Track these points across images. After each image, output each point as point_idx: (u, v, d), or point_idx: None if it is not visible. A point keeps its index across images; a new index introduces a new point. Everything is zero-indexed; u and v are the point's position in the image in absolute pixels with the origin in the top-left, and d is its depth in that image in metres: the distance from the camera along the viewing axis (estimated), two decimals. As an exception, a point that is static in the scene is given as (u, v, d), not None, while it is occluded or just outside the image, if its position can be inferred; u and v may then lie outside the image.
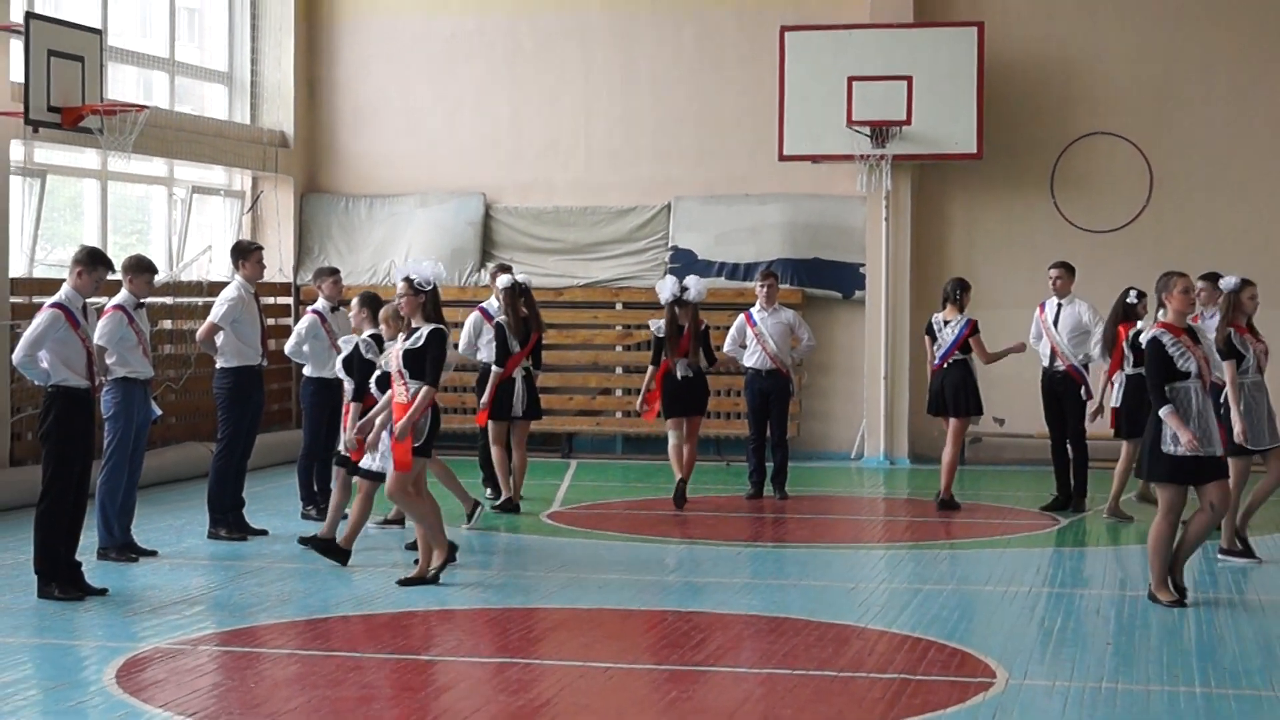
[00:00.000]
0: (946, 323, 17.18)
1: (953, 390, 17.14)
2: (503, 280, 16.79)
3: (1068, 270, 17.23)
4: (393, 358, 12.94)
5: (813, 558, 14.78)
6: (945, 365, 17.16)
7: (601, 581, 13.39)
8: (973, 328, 17.11)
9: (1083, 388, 16.97)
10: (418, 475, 12.99)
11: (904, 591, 13.02)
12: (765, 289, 18.03)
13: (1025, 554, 14.85)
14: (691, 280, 17.67)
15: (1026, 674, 10.07)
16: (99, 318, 13.47)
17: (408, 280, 12.82)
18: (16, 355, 12.56)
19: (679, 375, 17.47)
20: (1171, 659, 10.52)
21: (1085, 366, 17.00)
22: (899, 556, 15.06)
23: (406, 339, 12.84)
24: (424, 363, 12.70)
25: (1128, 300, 15.90)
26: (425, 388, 12.67)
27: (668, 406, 17.59)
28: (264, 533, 15.28)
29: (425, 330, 12.79)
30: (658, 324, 17.61)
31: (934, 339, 17.27)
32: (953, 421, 17.30)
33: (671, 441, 17.65)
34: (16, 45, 17.28)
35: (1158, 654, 10.67)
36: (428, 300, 12.86)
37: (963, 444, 17.94)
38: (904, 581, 13.61)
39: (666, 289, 17.58)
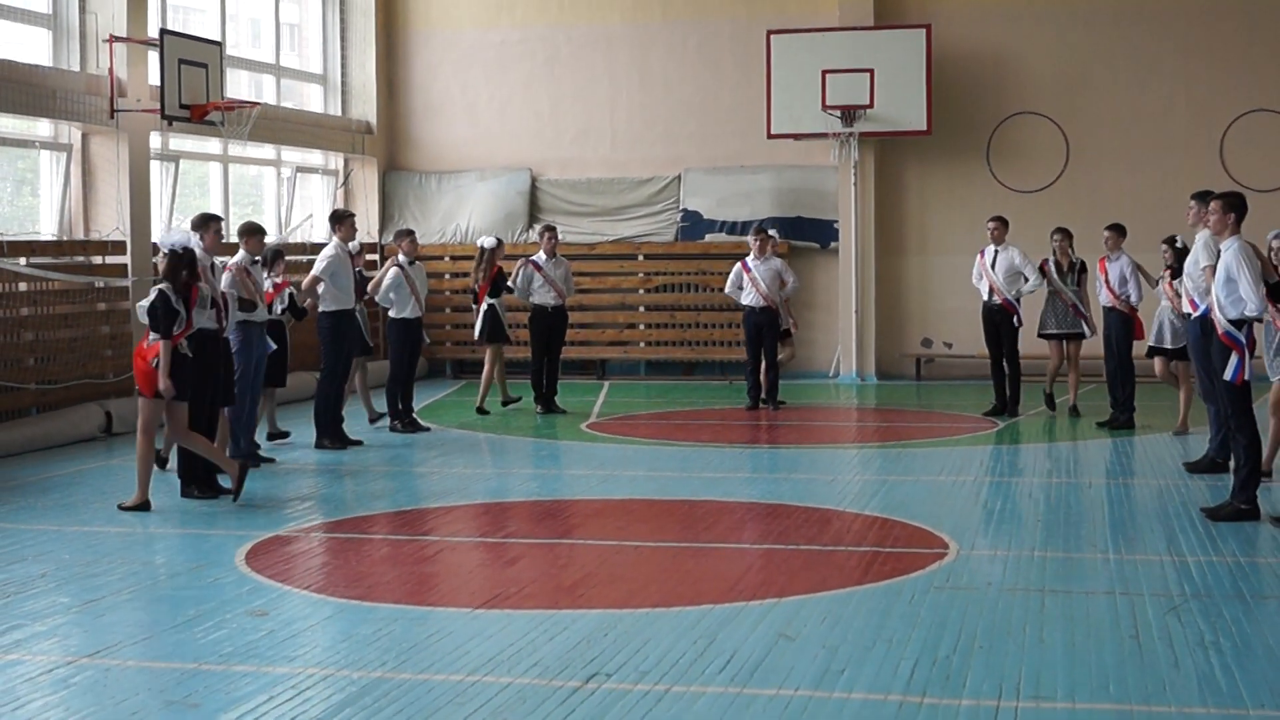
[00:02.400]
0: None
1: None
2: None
3: (1003, 222, 17.14)
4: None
5: (800, 456, 14.76)
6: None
7: (631, 477, 13.39)
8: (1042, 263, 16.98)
9: (1015, 317, 16.91)
10: (157, 413, 11.72)
11: (874, 482, 12.99)
12: (758, 242, 17.99)
13: (971, 450, 14.81)
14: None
15: (974, 545, 10.05)
16: (224, 272, 13.44)
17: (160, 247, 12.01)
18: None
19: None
20: (1089, 532, 10.50)
21: (1018, 299, 16.92)
22: (869, 454, 15.03)
23: None
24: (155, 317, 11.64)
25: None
26: (161, 340, 11.64)
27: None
28: (359, 443, 15.28)
29: (155, 289, 11.79)
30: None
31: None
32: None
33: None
34: (153, 56, 17.26)
35: (1078, 528, 10.64)
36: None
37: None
38: (873, 474, 13.57)
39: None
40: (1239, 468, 10.94)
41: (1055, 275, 16.82)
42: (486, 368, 17.84)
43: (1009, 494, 12.22)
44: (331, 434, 15.16)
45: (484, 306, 17.59)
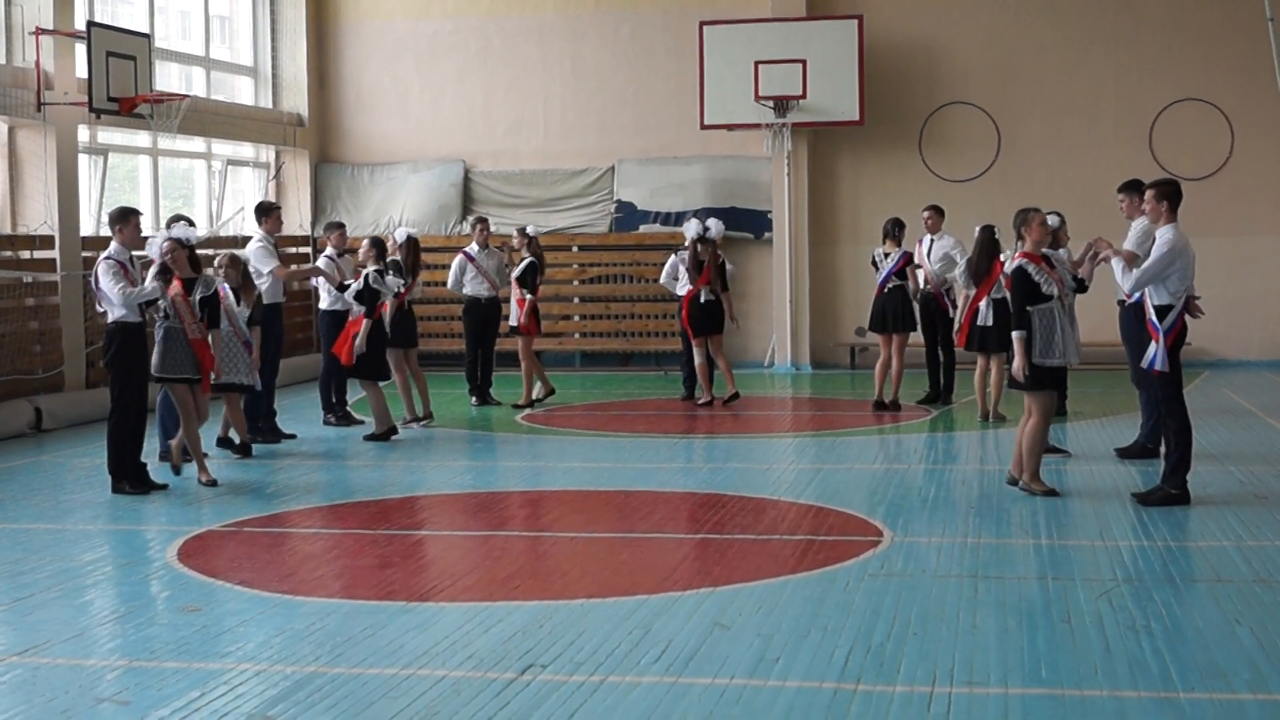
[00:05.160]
0: (886, 255, 16.67)
1: (893, 311, 16.64)
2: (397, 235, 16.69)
3: (938, 211, 17.16)
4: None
5: (735, 445, 14.77)
6: (885, 290, 16.66)
7: (566, 468, 13.38)
8: (907, 259, 16.64)
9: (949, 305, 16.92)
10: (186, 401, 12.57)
11: (808, 470, 13.03)
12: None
13: (905, 438, 14.89)
14: (712, 222, 17.37)
15: (908, 533, 10.10)
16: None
17: (175, 239, 12.46)
18: (131, 299, 12.26)
19: (702, 300, 17.14)
20: (1022, 519, 10.56)
21: (949, 288, 16.93)
22: (804, 443, 15.06)
23: (193, 289, 12.45)
24: (210, 308, 12.55)
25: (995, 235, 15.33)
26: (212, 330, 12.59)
27: (695, 327, 17.22)
28: (293, 436, 15.19)
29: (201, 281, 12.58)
30: (681, 254, 17.34)
31: (876, 268, 16.82)
32: (895, 337, 16.70)
33: (698, 360, 17.40)
34: (80, 48, 17.08)
35: (1010, 515, 10.71)
36: (191, 254, 12.60)
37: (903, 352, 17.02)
38: (808, 463, 13.61)
39: (691, 229, 17.21)
40: (1169, 453, 11.04)
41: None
42: (527, 362, 17.92)
43: (942, 481, 12.28)
44: (264, 428, 15.05)
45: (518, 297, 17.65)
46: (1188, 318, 11.24)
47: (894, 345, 16.73)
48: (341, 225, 16.70)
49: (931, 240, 17.00)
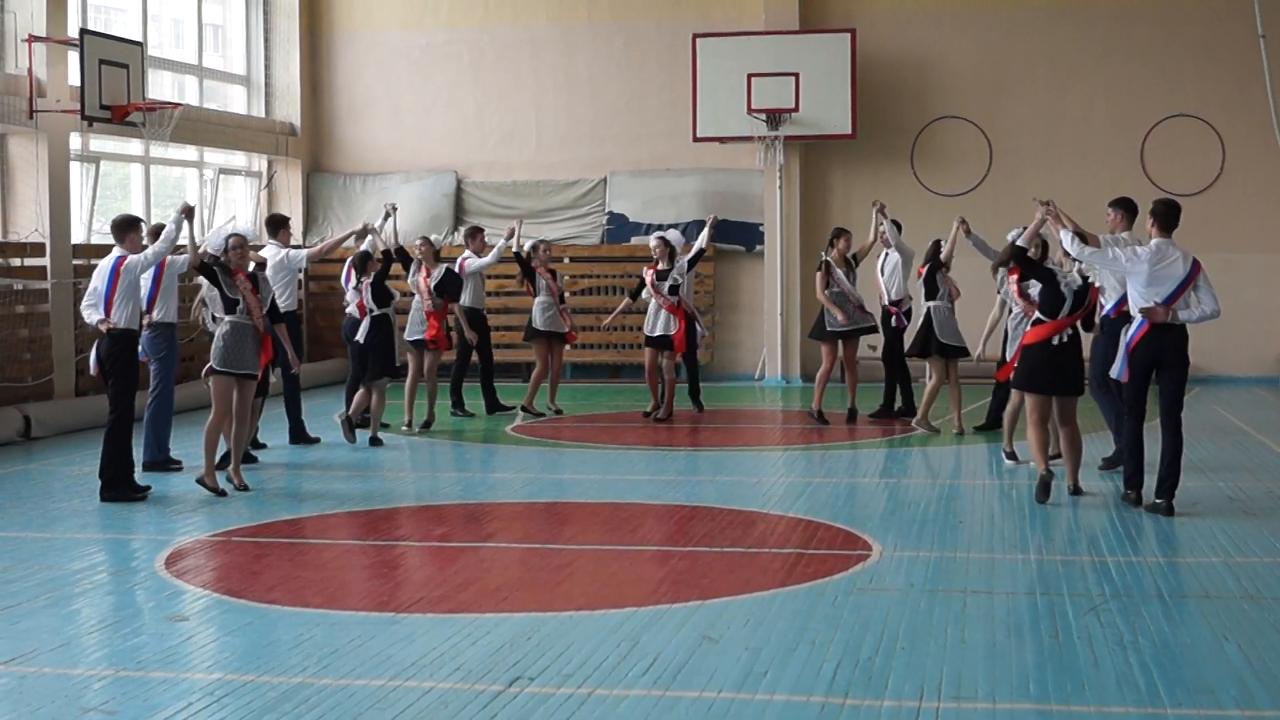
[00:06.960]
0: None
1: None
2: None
3: (895, 226, 16.97)
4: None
5: (724, 458, 14.76)
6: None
7: (555, 480, 13.37)
8: None
9: (895, 317, 16.70)
10: (224, 397, 12.44)
11: (798, 484, 13.02)
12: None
13: (893, 452, 14.88)
14: (673, 234, 17.55)
15: (897, 547, 10.09)
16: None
17: (241, 235, 12.84)
18: (169, 242, 12.50)
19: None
20: (1011, 533, 10.56)
21: (897, 302, 16.76)
22: (794, 456, 15.05)
23: (257, 284, 12.87)
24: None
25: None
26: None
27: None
28: (264, 446, 14.96)
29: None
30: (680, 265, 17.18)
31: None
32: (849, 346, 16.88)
33: (647, 366, 17.46)
34: (73, 56, 17.11)
35: (1000, 529, 10.71)
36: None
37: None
38: (798, 476, 13.59)
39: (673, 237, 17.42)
40: (1161, 466, 11.11)
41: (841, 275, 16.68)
42: (540, 367, 17.86)
43: (931, 495, 12.26)
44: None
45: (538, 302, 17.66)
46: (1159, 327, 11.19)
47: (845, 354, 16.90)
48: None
49: (886, 254, 16.90)
